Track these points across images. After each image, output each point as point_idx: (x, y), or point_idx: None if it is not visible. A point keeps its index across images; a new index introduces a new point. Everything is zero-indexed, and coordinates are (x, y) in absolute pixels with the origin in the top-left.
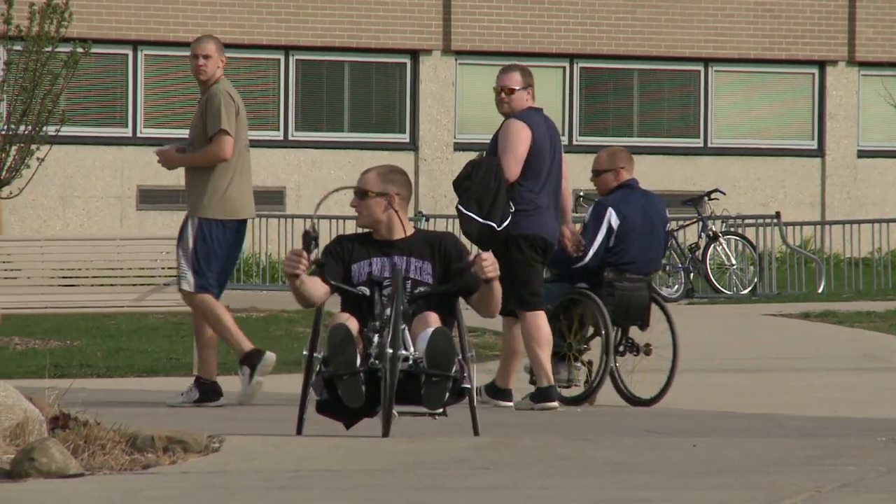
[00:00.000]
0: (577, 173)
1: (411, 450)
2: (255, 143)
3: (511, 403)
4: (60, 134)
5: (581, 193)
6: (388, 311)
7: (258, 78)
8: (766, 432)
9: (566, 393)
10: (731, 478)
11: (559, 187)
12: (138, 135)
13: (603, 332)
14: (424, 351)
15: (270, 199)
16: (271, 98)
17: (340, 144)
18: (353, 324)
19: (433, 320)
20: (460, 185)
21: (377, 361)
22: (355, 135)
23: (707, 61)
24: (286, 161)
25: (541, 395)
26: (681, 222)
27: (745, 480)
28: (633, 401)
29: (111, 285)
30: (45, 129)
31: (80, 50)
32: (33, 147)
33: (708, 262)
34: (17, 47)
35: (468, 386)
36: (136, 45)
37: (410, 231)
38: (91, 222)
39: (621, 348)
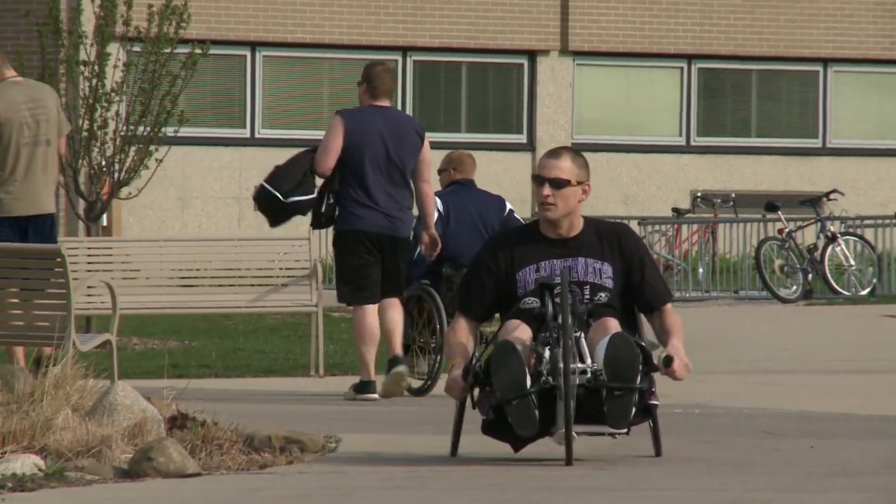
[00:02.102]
0: (694, 174)
1: (526, 451)
2: None
3: (376, 395)
4: (179, 135)
5: (698, 194)
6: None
7: None
8: (887, 434)
9: (413, 384)
10: (851, 479)
11: (403, 182)
12: (256, 136)
13: (439, 325)
14: (603, 361)
15: None
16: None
17: (458, 145)
18: (524, 333)
19: (613, 326)
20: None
21: (550, 379)
22: (472, 135)
23: (826, 61)
24: None
25: (361, 388)
26: (799, 223)
27: (865, 482)
28: None
29: (229, 286)
30: (163, 130)
31: (198, 51)
32: (152, 148)
33: (826, 262)
34: (136, 48)
35: (656, 402)
36: (254, 46)
37: (581, 224)
38: (209, 223)
39: None
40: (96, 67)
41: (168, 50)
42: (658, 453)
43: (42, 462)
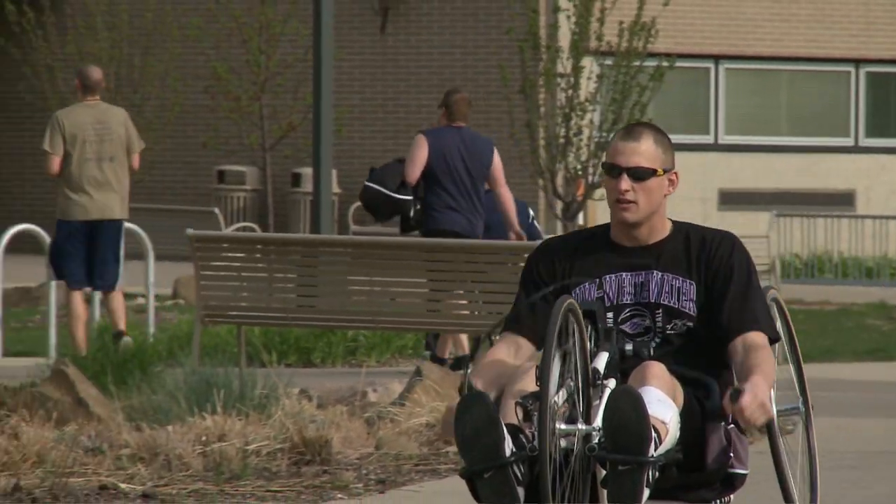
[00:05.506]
0: None
1: None
2: (827, 149)
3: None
4: None
5: None
6: (599, 360)
7: (829, 89)
8: None
9: None
10: None
11: (476, 191)
12: (719, 141)
13: None
14: (603, 422)
15: (841, 200)
16: (842, 107)
17: None
18: (529, 384)
19: (654, 374)
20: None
21: (537, 444)
22: None
23: None
24: (856, 166)
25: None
26: None
27: None
28: None
29: None
30: None
31: (665, 64)
32: None
33: None
34: (608, 62)
35: (742, 471)
36: (717, 59)
37: (666, 228)
38: None
39: None
40: (572, 79)
41: (637, 63)
42: None
43: None
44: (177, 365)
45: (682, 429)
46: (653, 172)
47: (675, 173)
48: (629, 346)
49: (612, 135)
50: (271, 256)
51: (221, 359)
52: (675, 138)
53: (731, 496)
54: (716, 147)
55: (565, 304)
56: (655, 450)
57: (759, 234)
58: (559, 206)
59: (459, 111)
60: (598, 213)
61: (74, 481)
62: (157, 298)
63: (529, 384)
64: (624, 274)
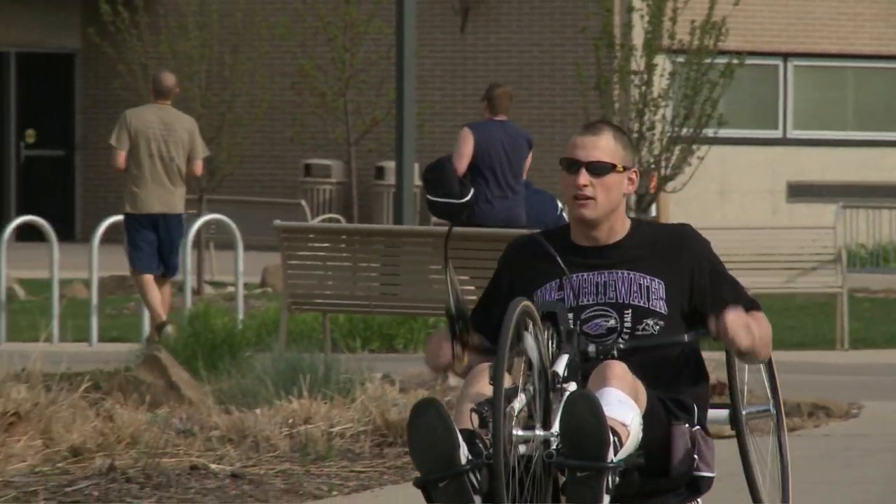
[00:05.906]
0: None
1: None
2: (892, 143)
3: None
4: (718, 136)
5: None
6: (559, 363)
7: (894, 85)
8: None
9: None
10: None
11: (516, 180)
12: (787, 136)
13: None
14: (559, 428)
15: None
16: None
17: None
18: (484, 386)
19: (615, 374)
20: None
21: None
22: None
23: None
24: None
25: None
26: None
27: None
28: None
29: (764, 269)
30: (704, 131)
31: (735, 61)
32: (694, 147)
33: None
34: (680, 59)
35: (708, 474)
36: (785, 56)
37: (626, 227)
38: (745, 214)
39: None
40: (645, 76)
41: (708, 60)
42: None
43: None
44: (265, 350)
45: (645, 431)
46: (612, 167)
47: (636, 172)
48: (591, 348)
49: (684, 129)
50: (355, 246)
51: (307, 345)
52: (745, 133)
53: (699, 500)
54: (784, 141)
55: (520, 307)
56: (616, 453)
57: (825, 225)
58: (633, 198)
59: (501, 104)
60: (672, 205)
61: (166, 461)
62: (245, 287)
63: (485, 387)
64: (585, 274)
